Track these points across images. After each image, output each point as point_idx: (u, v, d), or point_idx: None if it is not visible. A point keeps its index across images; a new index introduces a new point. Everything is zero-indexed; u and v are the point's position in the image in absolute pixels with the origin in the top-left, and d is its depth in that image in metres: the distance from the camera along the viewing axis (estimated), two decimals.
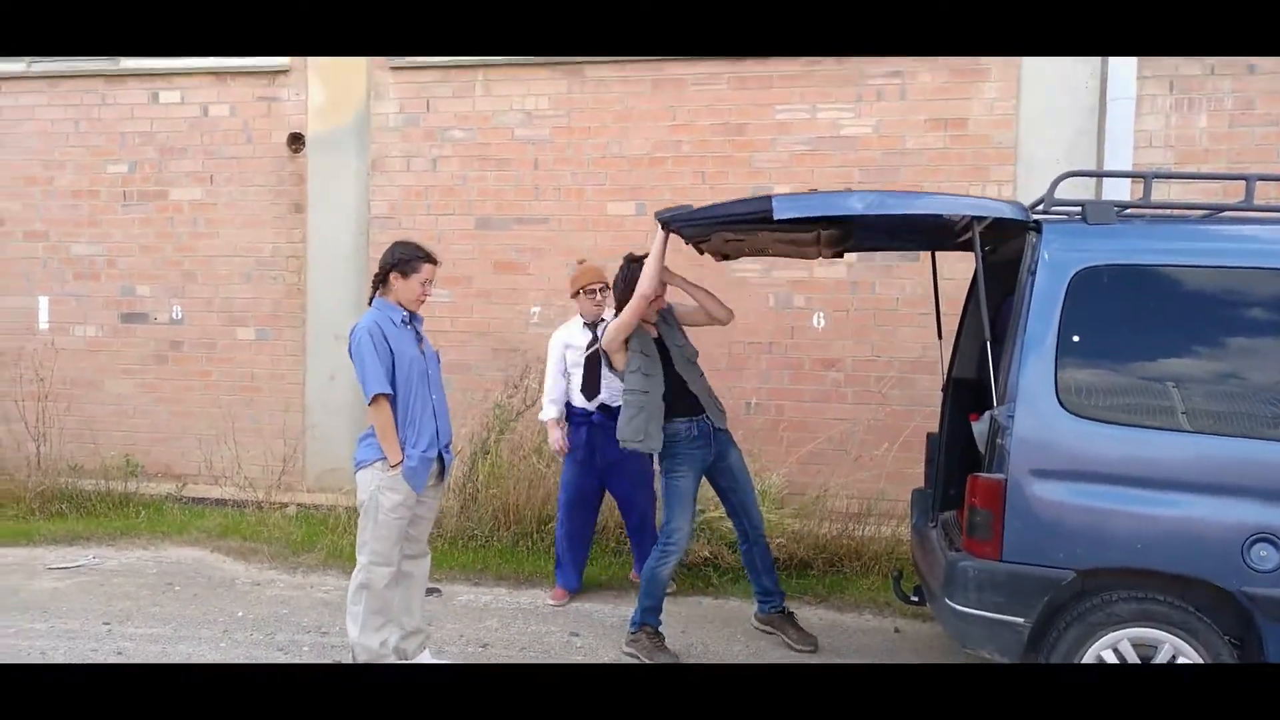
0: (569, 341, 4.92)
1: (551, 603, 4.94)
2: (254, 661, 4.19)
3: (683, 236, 4.09)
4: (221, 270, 6.99)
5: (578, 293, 4.88)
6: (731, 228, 3.89)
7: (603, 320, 4.79)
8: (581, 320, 4.92)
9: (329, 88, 6.75)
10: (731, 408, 5.96)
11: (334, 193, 6.78)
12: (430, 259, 3.87)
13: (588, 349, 4.83)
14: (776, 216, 3.37)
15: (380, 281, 3.86)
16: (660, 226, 3.91)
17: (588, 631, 4.59)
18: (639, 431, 4.15)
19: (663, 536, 4.24)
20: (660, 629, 4.32)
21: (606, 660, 4.28)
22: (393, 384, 3.74)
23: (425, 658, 4.09)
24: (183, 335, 7.08)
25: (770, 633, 4.47)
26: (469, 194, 6.57)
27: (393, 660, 3.87)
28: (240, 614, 4.77)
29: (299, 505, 6.49)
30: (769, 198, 3.40)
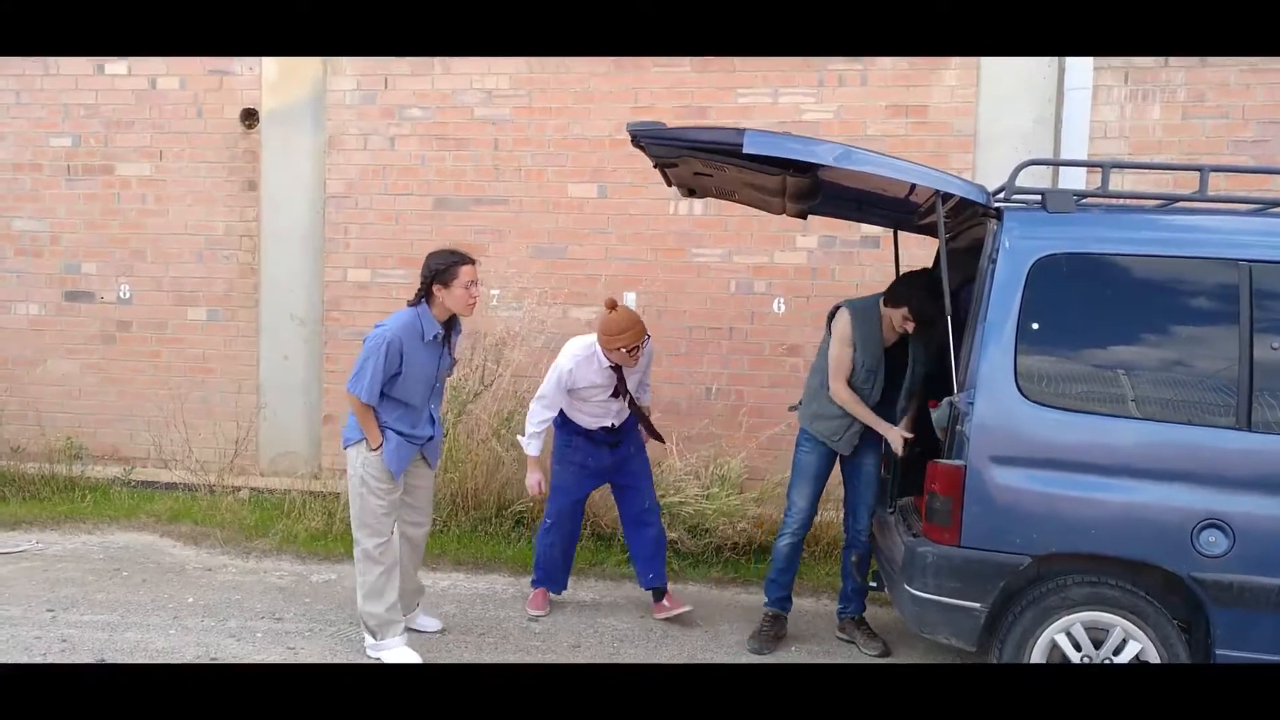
0: (594, 380, 4.33)
1: (533, 613, 4.56)
2: (205, 648, 4.10)
3: (649, 155, 4.00)
4: (171, 249, 6.81)
5: (618, 348, 4.22)
6: (700, 156, 3.81)
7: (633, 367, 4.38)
8: (605, 362, 4.31)
9: (283, 63, 6.58)
10: (692, 393, 5.96)
11: (289, 170, 6.63)
12: (466, 260, 3.85)
13: (617, 395, 4.37)
14: (746, 149, 3.34)
15: (424, 295, 3.87)
16: (631, 139, 3.81)
17: (546, 616, 4.57)
18: (836, 432, 4.17)
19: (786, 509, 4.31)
20: (780, 612, 4.32)
21: (565, 644, 4.27)
22: (393, 391, 3.88)
23: (418, 614, 4.33)
24: (131, 315, 6.88)
25: (845, 639, 4.39)
26: (427, 173, 6.46)
27: (402, 624, 4.06)
28: (191, 600, 4.67)
29: (252, 489, 6.37)
30: (743, 129, 3.36)
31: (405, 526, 4.15)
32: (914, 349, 4.12)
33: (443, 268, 3.81)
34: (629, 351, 4.23)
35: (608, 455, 4.49)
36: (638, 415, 4.53)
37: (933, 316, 3.81)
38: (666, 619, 4.52)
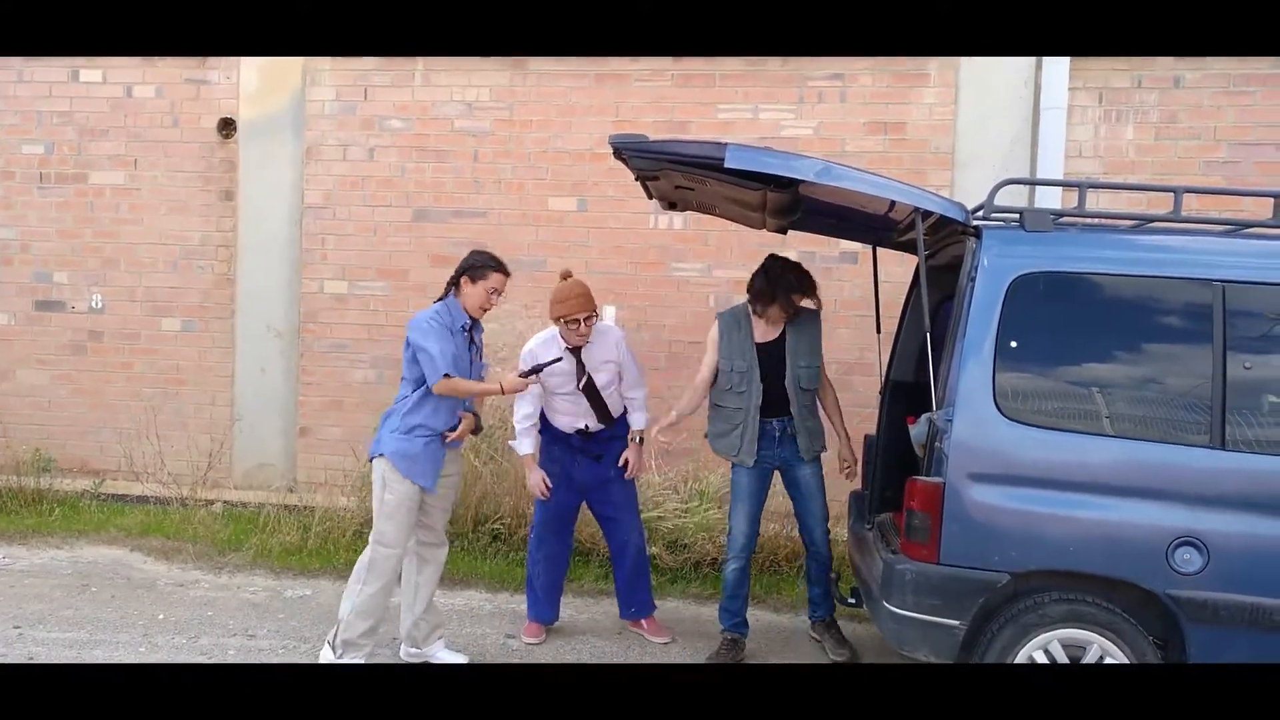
0: (552, 369, 4.24)
1: (528, 640, 4.42)
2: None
3: (631, 168, 3.99)
4: (145, 258, 6.73)
5: (558, 319, 4.23)
6: (682, 169, 3.82)
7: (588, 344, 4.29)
8: (563, 344, 4.28)
9: (262, 72, 6.55)
10: (671, 407, 5.93)
11: (266, 181, 6.58)
12: (501, 269, 3.96)
13: (580, 382, 4.29)
14: (727, 164, 3.35)
15: (453, 284, 3.97)
16: (613, 152, 3.82)
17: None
18: (731, 448, 4.23)
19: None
20: (738, 636, 4.33)
21: (543, 661, 4.23)
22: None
23: (439, 648, 4.16)
24: (103, 325, 6.79)
25: (816, 640, 4.47)
26: (406, 185, 6.43)
27: (369, 649, 3.94)
28: (161, 616, 4.60)
29: (225, 503, 6.29)
30: (725, 144, 3.38)
31: (421, 549, 4.06)
32: (790, 345, 4.21)
33: (479, 265, 3.94)
34: (567, 323, 4.20)
35: (587, 467, 4.38)
36: (593, 401, 4.33)
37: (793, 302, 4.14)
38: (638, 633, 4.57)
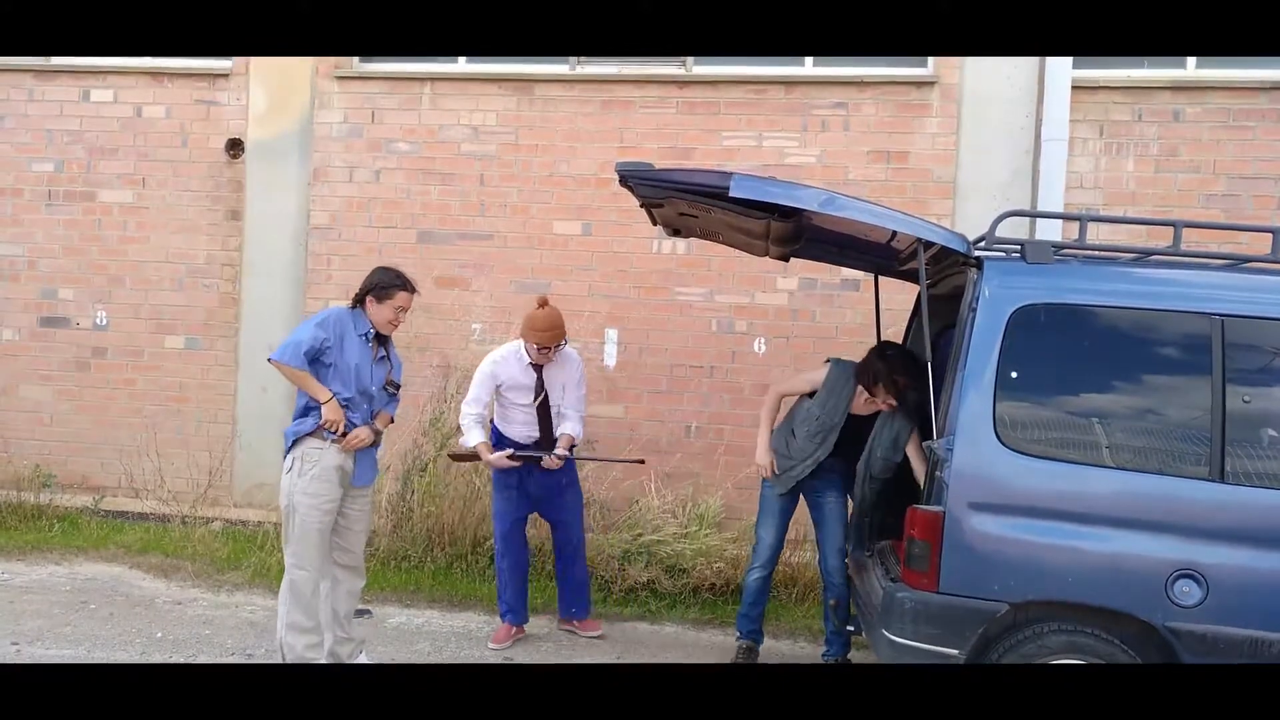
0: (514, 381, 4.53)
1: (493, 647, 4.57)
2: None
3: (637, 195, 4.03)
4: (151, 276, 6.77)
5: (535, 344, 4.43)
6: (687, 197, 3.86)
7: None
8: (527, 359, 4.52)
9: (271, 94, 6.61)
10: (671, 431, 5.97)
11: (273, 201, 6.63)
12: (407, 287, 3.95)
13: (536, 398, 4.53)
14: (732, 193, 3.38)
15: (357, 302, 3.96)
16: (619, 179, 3.85)
17: (522, 655, 4.52)
18: (779, 469, 4.33)
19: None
20: (753, 644, 4.44)
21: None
22: (325, 379, 3.87)
23: (363, 661, 4.15)
24: (107, 342, 6.82)
25: None
26: (412, 207, 6.48)
27: (319, 660, 3.95)
28: (159, 635, 4.59)
29: (225, 521, 6.28)
30: (730, 173, 3.41)
31: (336, 570, 3.99)
32: (878, 429, 4.11)
33: (384, 284, 3.92)
34: (540, 348, 4.42)
35: (540, 479, 4.58)
36: (542, 418, 4.55)
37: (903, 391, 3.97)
38: (570, 632, 4.81)
